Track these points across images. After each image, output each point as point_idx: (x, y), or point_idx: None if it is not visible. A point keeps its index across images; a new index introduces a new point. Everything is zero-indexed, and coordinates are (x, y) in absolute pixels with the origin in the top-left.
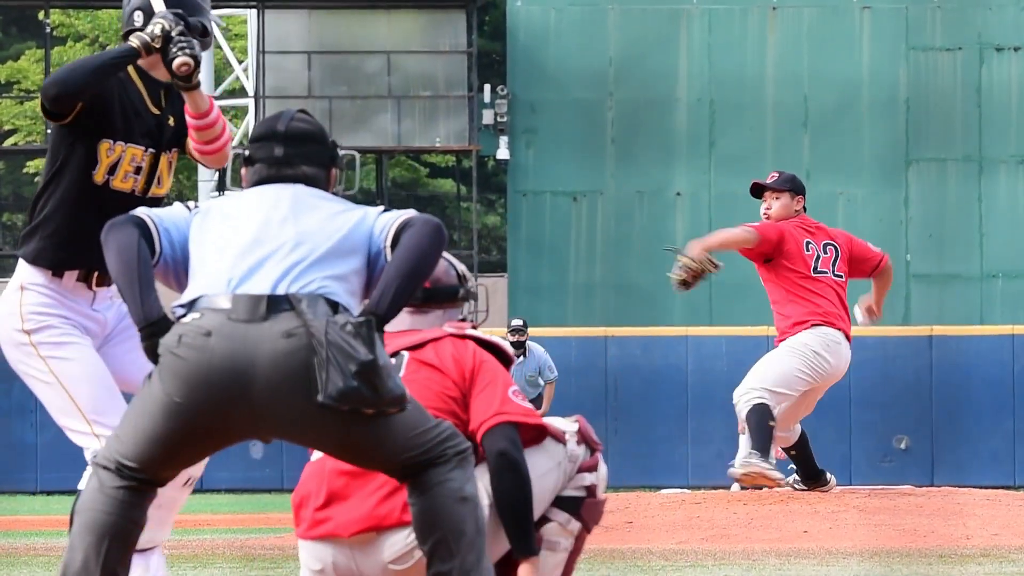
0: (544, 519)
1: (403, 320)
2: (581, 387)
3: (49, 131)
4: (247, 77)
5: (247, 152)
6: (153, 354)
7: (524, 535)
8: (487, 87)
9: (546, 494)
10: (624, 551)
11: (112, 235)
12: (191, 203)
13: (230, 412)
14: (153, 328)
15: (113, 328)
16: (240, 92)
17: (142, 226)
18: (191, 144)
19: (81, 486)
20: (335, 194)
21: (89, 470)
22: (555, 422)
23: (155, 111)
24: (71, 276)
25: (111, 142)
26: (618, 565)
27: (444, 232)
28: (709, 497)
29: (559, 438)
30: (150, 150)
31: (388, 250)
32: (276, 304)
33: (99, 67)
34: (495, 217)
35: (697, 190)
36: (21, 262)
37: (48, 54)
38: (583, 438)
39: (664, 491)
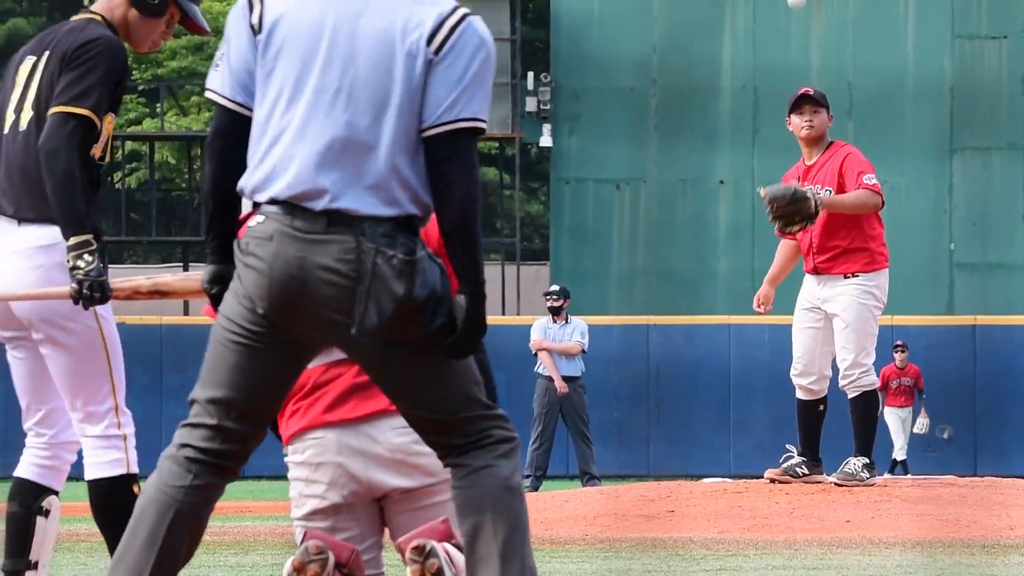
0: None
1: None
2: (623, 375)
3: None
4: None
5: None
6: (214, 280)
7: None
8: (530, 74)
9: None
10: (666, 540)
11: (210, 155)
12: (255, 11)
13: (296, 321)
14: (219, 268)
15: None
16: None
17: (236, 124)
18: None
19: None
20: None
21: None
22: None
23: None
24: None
25: (112, 115)
26: (659, 554)
27: (478, 174)
28: (751, 486)
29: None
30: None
31: (422, 140)
32: (335, 221)
33: (68, 203)
34: (538, 205)
35: (740, 178)
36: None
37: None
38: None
39: (706, 480)
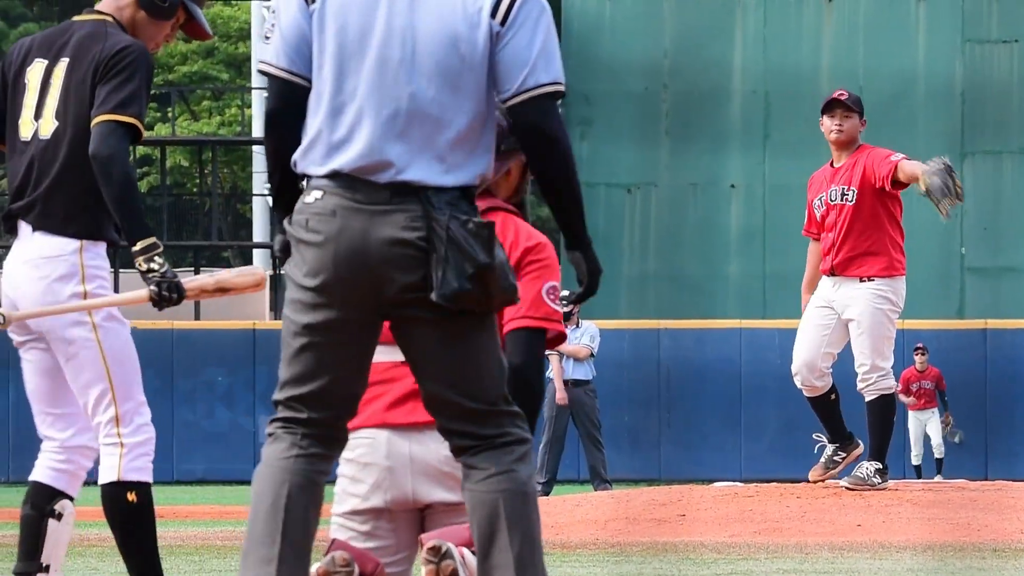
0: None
1: None
2: (634, 379)
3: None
4: None
5: None
6: (286, 250)
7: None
8: None
9: None
10: (676, 544)
11: (271, 131)
12: None
13: (358, 295)
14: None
15: None
16: None
17: (296, 97)
18: None
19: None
20: None
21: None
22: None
23: None
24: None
25: None
26: (670, 558)
27: (564, 137)
28: (762, 490)
29: None
30: None
31: (504, 112)
32: (399, 192)
33: (126, 206)
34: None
35: (751, 182)
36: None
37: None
38: None
39: (716, 484)
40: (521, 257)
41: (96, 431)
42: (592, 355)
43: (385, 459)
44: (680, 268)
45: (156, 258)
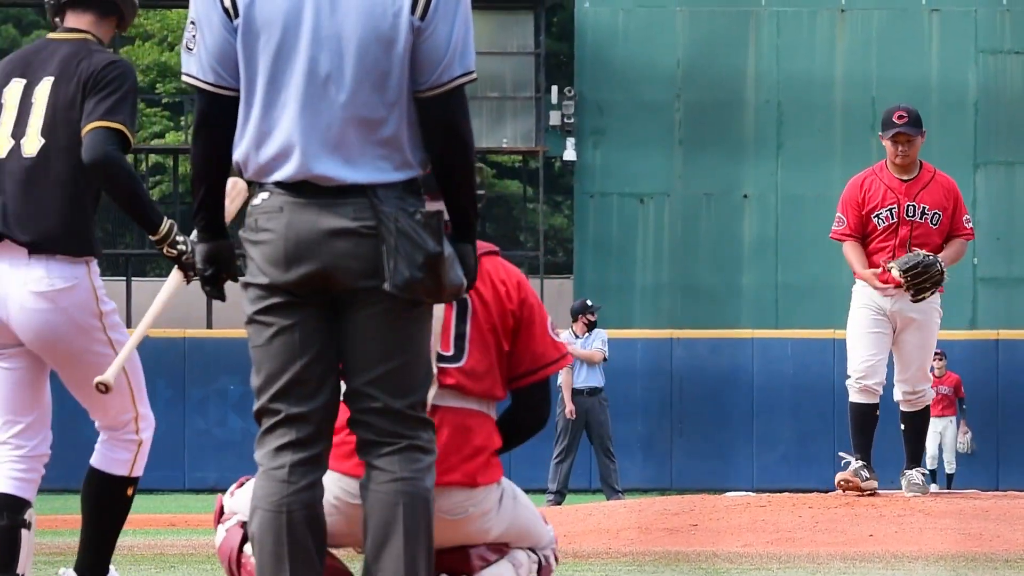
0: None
1: None
2: (647, 389)
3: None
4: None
5: None
6: (209, 256)
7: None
8: (554, 88)
9: (536, 535)
10: (689, 554)
11: (201, 141)
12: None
13: (310, 288)
14: (211, 245)
15: None
16: None
17: (225, 106)
18: None
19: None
20: None
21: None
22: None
23: None
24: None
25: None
26: (683, 568)
27: (466, 133)
28: (774, 500)
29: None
30: None
31: (413, 101)
32: (344, 191)
33: (138, 206)
34: (562, 218)
35: (764, 192)
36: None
37: (116, 54)
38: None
39: (729, 494)
40: (525, 301)
41: (109, 428)
42: (605, 359)
43: (332, 498)
44: (693, 278)
45: (177, 241)
